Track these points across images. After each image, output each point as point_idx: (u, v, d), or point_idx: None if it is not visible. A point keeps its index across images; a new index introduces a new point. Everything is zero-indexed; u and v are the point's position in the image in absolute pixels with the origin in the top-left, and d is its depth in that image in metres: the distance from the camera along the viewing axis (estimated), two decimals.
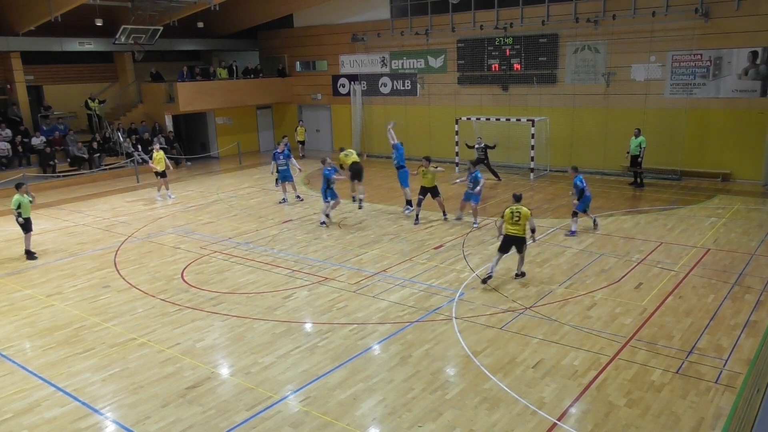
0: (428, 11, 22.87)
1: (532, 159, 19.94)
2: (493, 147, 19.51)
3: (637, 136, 17.57)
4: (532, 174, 19.99)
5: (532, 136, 19.69)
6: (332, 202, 14.80)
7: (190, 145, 26.97)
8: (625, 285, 10.26)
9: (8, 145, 21.76)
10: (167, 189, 19.11)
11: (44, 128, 23.39)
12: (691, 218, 14.35)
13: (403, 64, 24.39)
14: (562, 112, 20.61)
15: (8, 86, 23.55)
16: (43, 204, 18.14)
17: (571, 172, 13.23)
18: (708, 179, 18.30)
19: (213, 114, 27.16)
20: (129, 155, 23.33)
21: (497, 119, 20.74)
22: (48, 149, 22.16)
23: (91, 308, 10.16)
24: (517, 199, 10.68)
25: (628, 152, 17.94)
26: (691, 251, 11.87)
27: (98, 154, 23.11)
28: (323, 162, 14.97)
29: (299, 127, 26.37)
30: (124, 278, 11.56)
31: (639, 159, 17.72)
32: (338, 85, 26.68)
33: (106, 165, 23.09)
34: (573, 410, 6.66)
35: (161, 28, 23.36)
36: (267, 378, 7.58)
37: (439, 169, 14.45)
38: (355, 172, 15.71)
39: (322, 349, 8.28)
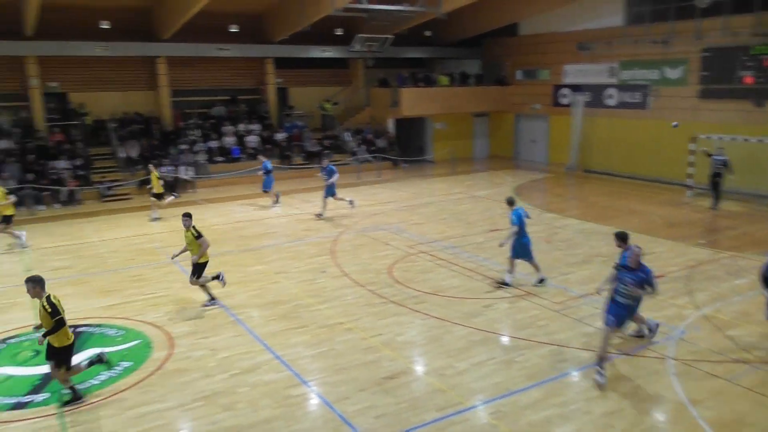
0: (670, 17, 20.98)
1: None
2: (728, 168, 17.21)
3: None
4: None
5: None
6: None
7: (407, 148, 28.22)
8: None
9: (257, 138, 24.92)
10: (155, 212, 17.65)
11: (286, 125, 26.33)
12: None
13: (634, 74, 22.77)
14: None
15: (261, 87, 26.94)
16: (288, 189, 20.46)
17: None
18: None
19: (430, 119, 28.13)
20: (353, 153, 25.21)
21: (745, 140, 18.21)
22: (287, 143, 24.94)
23: (308, 289, 11.20)
24: None
25: None
26: None
27: (327, 151, 25.35)
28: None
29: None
30: (338, 266, 12.53)
31: None
32: (559, 95, 25.84)
33: (333, 161, 25.20)
34: None
35: (392, 36, 24.86)
36: (459, 383, 7.65)
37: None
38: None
39: (518, 365, 8.10)
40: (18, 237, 14.75)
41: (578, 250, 13.52)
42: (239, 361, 8.28)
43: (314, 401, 7.34)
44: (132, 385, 7.68)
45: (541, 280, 11.12)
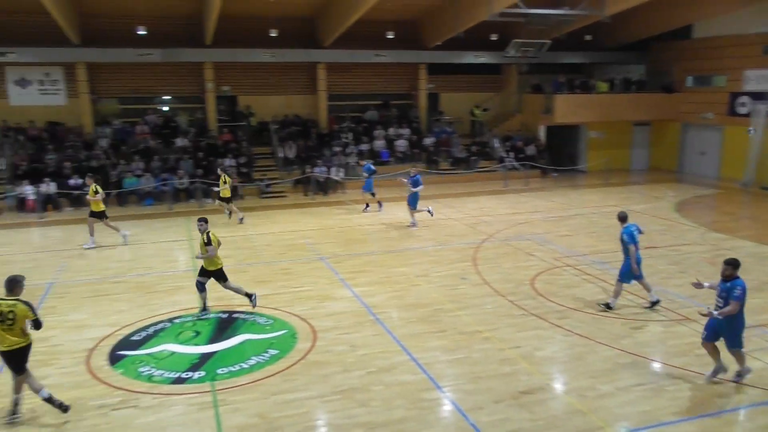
0: None
1: None
2: None
3: None
4: None
5: None
6: None
7: (558, 156, 27.16)
8: None
9: (406, 143, 25.41)
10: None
11: (435, 130, 26.55)
12: None
13: None
14: None
15: (413, 93, 27.42)
16: (424, 196, 20.65)
17: None
18: None
19: (585, 127, 26.83)
20: (501, 160, 24.78)
21: None
22: (435, 148, 25.15)
23: (449, 295, 11.16)
24: None
25: None
26: None
27: (474, 157, 25.16)
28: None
29: None
30: (479, 274, 12.36)
31: None
32: (736, 104, 23.38)
33: (480, 168, 24.98)
34: None
35: (549, 41, 24.06)
36: (602, 407, 7.18)
37: None
38: None
39: (670, 395, 7.42)
40: (119, 231, 15.40)
41: (749, 275, 12.10)
42: (376, 360, 8.46)
43: (447, 407, 7.29)
44: (277, 372, 8.14)
45: (654, 303, 10.22)
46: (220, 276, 10.10)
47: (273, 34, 22.35)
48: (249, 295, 10.23)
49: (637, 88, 26.65)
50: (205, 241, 9.87)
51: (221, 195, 17.78)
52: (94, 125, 23.53)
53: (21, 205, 19.78)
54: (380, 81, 27.16)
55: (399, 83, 27.46)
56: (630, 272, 9.99)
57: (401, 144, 25.28)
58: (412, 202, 16.88)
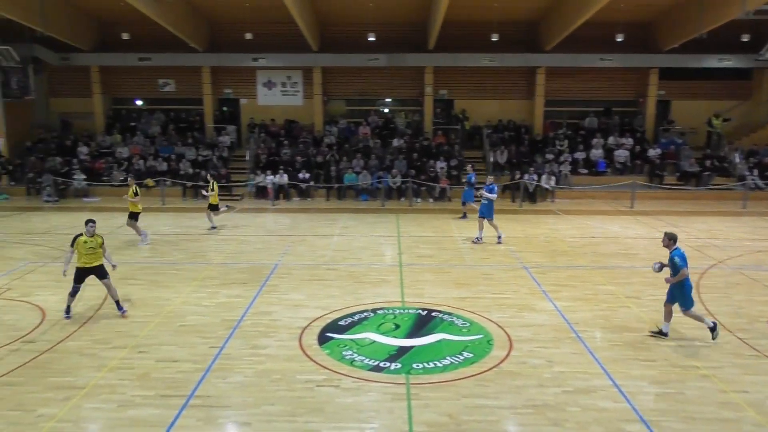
0: None
1: None
2: None
3: None
4: None
5: None
6: None
7: None
8: None
9: (627, 153, 23.67)
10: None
11: (662, 141, 24.32)
12: None
13: None
14: None
15: (640, 100, 25.43)
16: (641, 212, 19.08)
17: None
18: None
19: None
20: (742, 178, 21.83)
21: None
22: (660, 161, 23.03)
23: (662, 321, 10.12)
24: None
25: None
26: None
27: (708, 173, 22.53)
28: None
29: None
30: (702, 303, 11.01)
31: None
32: None
33: (714, 185, 22.31)
34: None
35: None
36: None
37: None
38: None
39: None
40: (142, 235, 15.30)
41: None
42: (574, 379, 8.00)
43: None
44: (470, 375, 8.13)
45: (713, 329, 9.15)
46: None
47: (494, 38, 22.45)
48: (118, 304, 10.13)
49: None
50: (99, 241, 9.99)
51: (211, 202, 16.97)
52: (323, 124, 25.85)
53: (259, 192, 22.54)
54: (603, 86, 25.70)
55: (624, 89, 25.73)
56: (680, 296, 9.19)
57: (621, 154, 23.63)
58: (488, 212, 15.53)
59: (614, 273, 13.06)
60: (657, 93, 24.99)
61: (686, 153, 23.54)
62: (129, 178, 16.61)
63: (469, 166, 19.83)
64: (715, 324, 9.26)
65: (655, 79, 24.78)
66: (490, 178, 16.28)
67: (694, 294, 9.45)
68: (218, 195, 17.28)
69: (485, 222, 15.68)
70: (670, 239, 9.30)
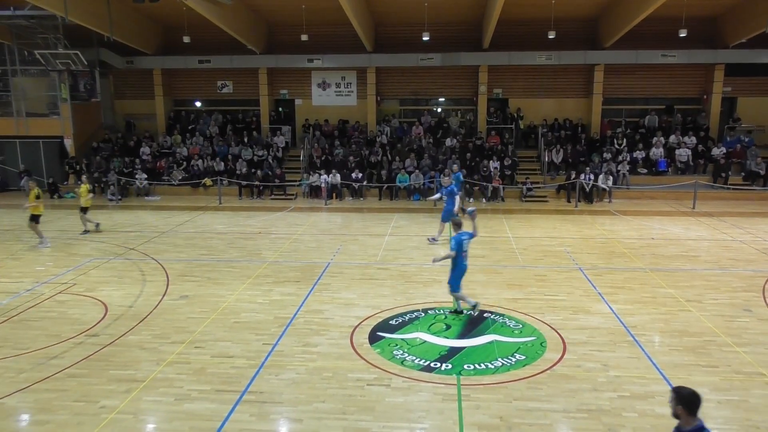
0: None
1: None
2: None
3: None
4: None
5: None
6: None
7: None
8: None
9: (689, 152, 22.81)
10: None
11: (727, 139, 23.34)
12: None
13: None
14: None
15: (704, 96, 24.47)
16: (703, 213, 18.35)
17: None
18: None
19: None
20: None
21: None
22: (724, 160, 22.09)
23: (724, 326, 9.74)
24: None
25: None
26: None
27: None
28: None
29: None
30: None
31: None
32: None
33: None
34: None
35: None
36: None
37: None
38: None
39: None
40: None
41: None
42: (630, 384, 7.78)
43: None
44: (522, 378, 8.02)
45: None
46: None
47: (551, 36, 22.00)
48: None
49: None
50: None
51: (82, 205, 16.91)
52: (376, 124, 25.98)
53: (313, 192, 22.86)
54: (664, 84, 24.87)
55: (687, 86, 24.82)
56: None
57: (683, 153, 22.80)
58: (446, 214, 15.35)
59: (674, 276, 12.62)
60: (722, 90, 23.99)
61: (753, 152, 22.49)
62: (30, 182, 16.59)
63: (455, 165, 19.93)
64: (476, 304, 10.04)
65: (720, 76, 23.78)
66: (446, 180, 16.20)
67: (760, 298, 9.03)
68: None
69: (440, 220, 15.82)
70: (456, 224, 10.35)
